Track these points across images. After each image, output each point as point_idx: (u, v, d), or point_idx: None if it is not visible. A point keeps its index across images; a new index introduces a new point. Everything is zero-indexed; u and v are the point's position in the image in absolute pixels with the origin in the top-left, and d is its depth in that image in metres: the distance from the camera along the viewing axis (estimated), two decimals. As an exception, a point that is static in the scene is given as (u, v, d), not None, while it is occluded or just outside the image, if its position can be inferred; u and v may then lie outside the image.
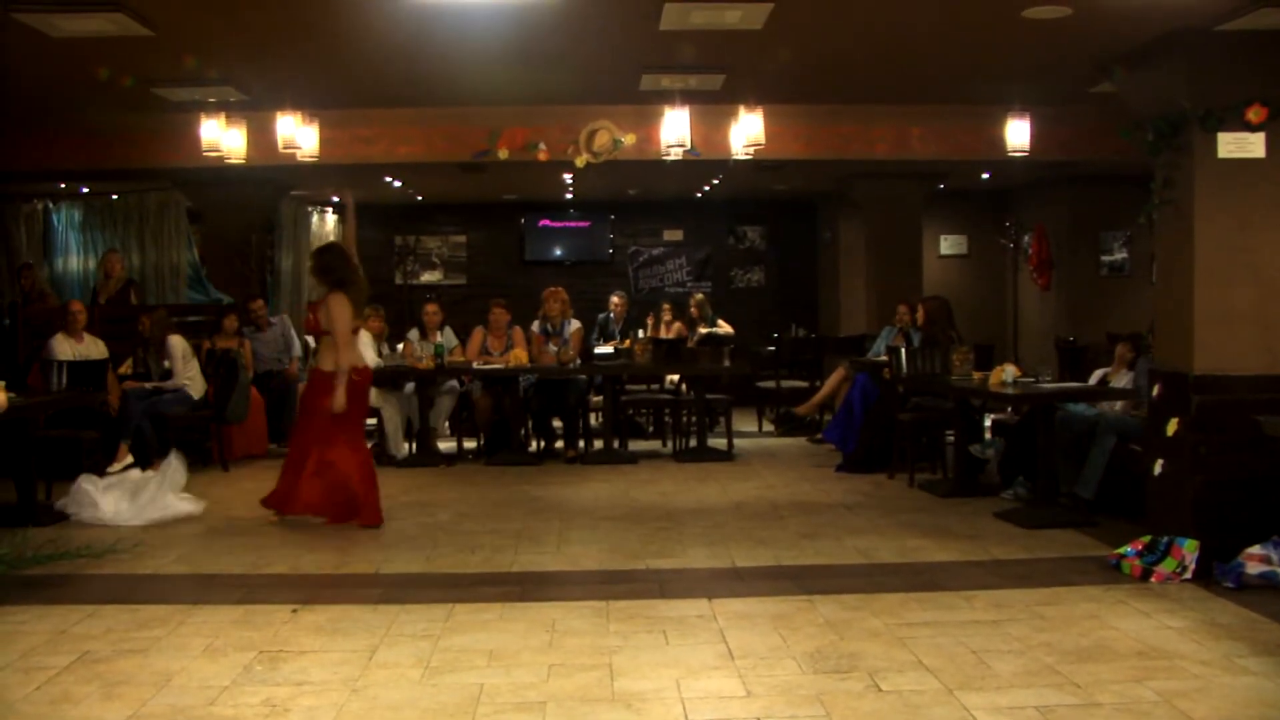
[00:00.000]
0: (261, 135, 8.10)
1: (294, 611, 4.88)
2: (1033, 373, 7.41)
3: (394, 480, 8.48)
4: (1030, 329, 13.49)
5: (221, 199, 10.58)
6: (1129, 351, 7.30)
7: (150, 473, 7.32)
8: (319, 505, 6.65)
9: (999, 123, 8.23)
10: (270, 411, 9.81)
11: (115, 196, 11.62)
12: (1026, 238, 13.42)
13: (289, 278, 12.45)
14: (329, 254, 6.84)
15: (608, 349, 10.36)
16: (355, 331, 6.77)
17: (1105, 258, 12.61)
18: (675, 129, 7.77)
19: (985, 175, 12.01)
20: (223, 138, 7.78)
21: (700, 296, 12.31)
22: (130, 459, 8.44)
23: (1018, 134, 8.07)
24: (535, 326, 9.86)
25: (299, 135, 7.88)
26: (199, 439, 9.08)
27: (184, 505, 7.00)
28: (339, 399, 6.54)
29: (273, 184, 10.83)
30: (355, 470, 6.66)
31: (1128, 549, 5.51)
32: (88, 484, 6.91)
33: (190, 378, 8.81)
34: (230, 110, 7.78)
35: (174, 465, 7.14)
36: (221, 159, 7.91)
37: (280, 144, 7.91)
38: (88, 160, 9.00)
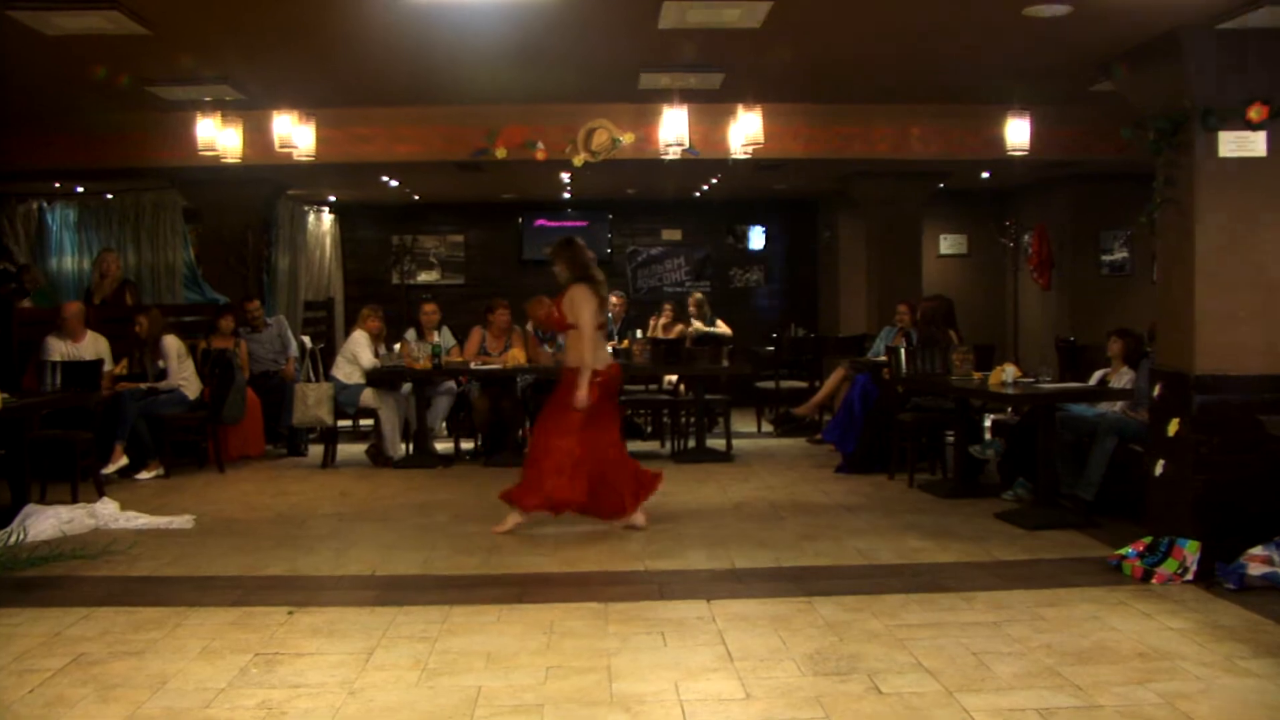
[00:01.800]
0: (258, 134, 8.10)
1: (290, 613, 4.87)
2: (1033, 373, 7.42)
3: (391, 481, 8.49)
4: (1030, 329, 13.49)
5: (217, 198, 10.57)
6: (1118, 345, 7.28)
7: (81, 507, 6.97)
8: (587, 503, 6.40)
9: (999, 122, 8.24)
10: (266, 412, 9.80)
11: (110, 196, 11.62)
12: (1027, 237, 13.42)
13: (285, 278, 12.44)
14: (572, 247, 6.55)
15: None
16: (601, 328, 6.54)
17: (1106, 257, 12.62)
18: (674, 128, 7.76)
19: (985, 174, 12.00)
20: (219, 137, 7.77)
21: (699, 295, 12.33)
22: (125, 460, 8.46)
23: (1018, 133, 8.08)
24: (529, 328, 9.85)
25: (295, 134, 7.87)
26: (195, 440, 9.08)
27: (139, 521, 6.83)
28: (582, 395, 6.31)
29: (269, 183, 10.82)
30: (627, 466, 6.52)
31: (1129, 550, 5.52)
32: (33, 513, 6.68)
33: (186, 378, 8.81)
34: (226, 109, 7.78)
35: (106, 506, 6.94)
36: (217, 158, 7.90)
37: (276, 143, 7.91)
38: (83, 159, 8.98)
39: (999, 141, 8.29)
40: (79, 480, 7.56)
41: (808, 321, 14.45)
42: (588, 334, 6.36)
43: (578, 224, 15.10)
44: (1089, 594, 5.07)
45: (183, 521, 6.85)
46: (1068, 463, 6.91)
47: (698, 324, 11.84)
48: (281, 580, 5.55)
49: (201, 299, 10.96)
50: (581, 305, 6.38)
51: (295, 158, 8.04)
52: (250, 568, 5.78)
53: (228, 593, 5.26)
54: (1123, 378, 7.20)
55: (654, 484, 6.59)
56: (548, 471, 6.32)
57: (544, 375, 9.40)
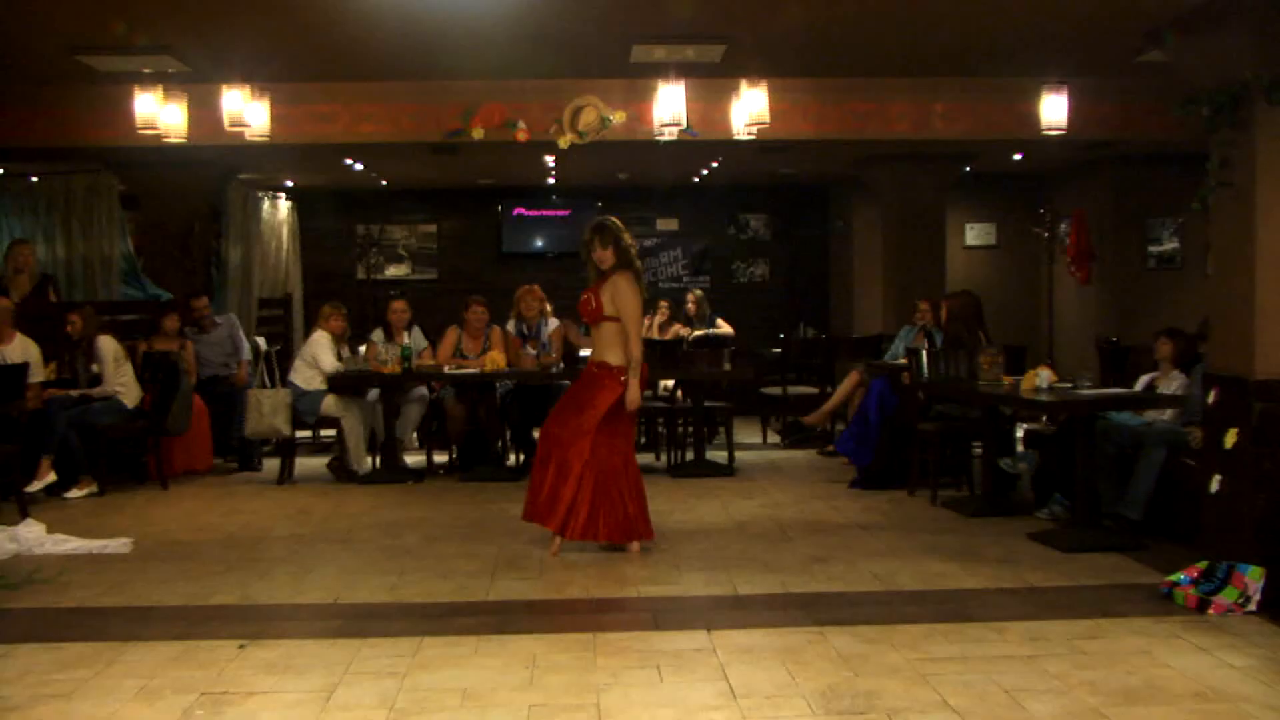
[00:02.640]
0: (205, 111, 8.06)
1: (241, 647, 4.82)
2: (1070, 377, 7.41)
3: (356, 499, 8.45)
4: (1068, 328, 13.49)
5: (159, 183, 10.52)
6: (1168, 346, 7.26)
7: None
8: (597, 527, 6.34)
9: (1033, 97, 8.24)
10: (216, 422, 9.75)
11: (35, 179, 11.49)
12: (1063, 226, 13.42)
13: (237, 272, 12.38)
14: (614, 228, 6.48)
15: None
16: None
17: (1153, 248, 12.60)
18: (670, 106, 7.76)
19: (1017, 156, 12.01)
20: (160, 113, 7.73)
21: (699, 293, 12.31)
22: (53, 476, 8.37)
23: (1054, 110, 8.07)
24: (510, 327, 9.82)
25: (247, 112, 7.84)
26: (134, 453, 9.02)
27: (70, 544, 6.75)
28: (635, 394, 6.31)
29: (218, 167, 10.77)
30: (635, 483, 6.46)
31: (1181, 576, 5.48)
32: None
33: (123, 384, 8.74)
34: (169, 83, 7.74)
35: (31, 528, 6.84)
36: (159, 138, 7.86)
37: (226, 121, 7.87)
38: (4, 136, 8.90)
39: (1033, 119, 8.29)
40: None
41: (818, 321, 14.44)
42: (638, 328, 6.41)
43: (561, 212, 15.08)
44: (1136, 625, 5.04)
45: (119, 545, 6.78)
46: (1110, 478, 6.89)
47: (693, 327, 11.80)
48: (231, 610, 5.49)
49: (142, 295, 10.89)
50: (631, 296, 6.35)
51: (247, 138, 8.01)
52: (196, 596, 5.72)
53: (170, 625, 5.20)
54: (1172, 383, 7.18)
55: (636, 533, 6.47)
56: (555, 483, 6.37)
57: (526, 380, 9.37)
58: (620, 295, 6.36)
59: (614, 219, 6.57)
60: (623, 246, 6.44)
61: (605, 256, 6.42)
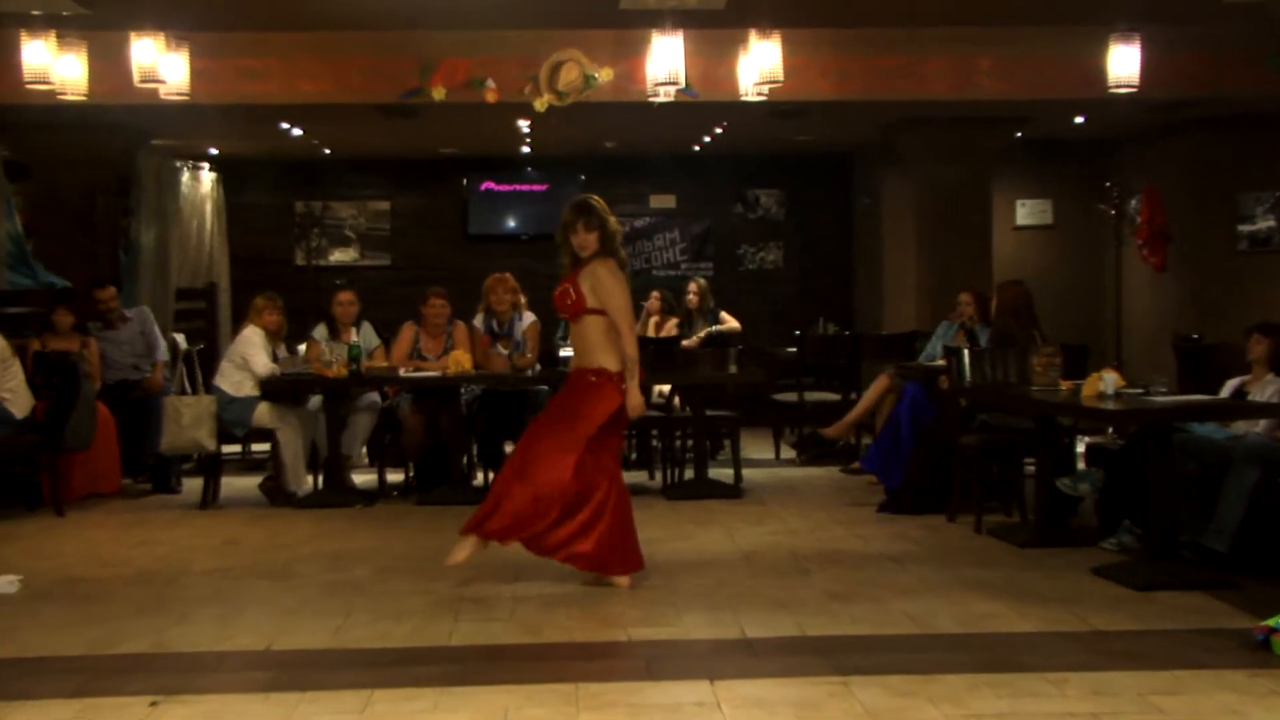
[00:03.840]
0: (109, 64, 8.05)
1: (153, 704, 4.80)
2: (1142, 382, 7.39)
3: (294, 526, 8.44)
4: (1138, 324, 13.52)
5: (54, 149, 10.52)
6: (1263, 346, 7.26)
7: None
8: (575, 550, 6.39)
9: (1098, 49, 8.24)
10: (125, 435, 9.71)
11: None
12: (1134, 202, 13.44)
13: (151, 256, 12.36)
14: (600, 209, 6.49)
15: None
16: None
17: (1244, 227, 12.59)
18: (665, 62, 7.77)
19: (1079, 120, 12.03)
20: (54, 65, 7.70)
21: (702, 283, 12.29)
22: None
23: (1123, 63, 8.08)
24: (478, 322, 9.81)
25: (162, 65, 7.82)
26: (24, 472, 8.97)
27: None
28: (637, 399, 6.38)
29: (126, 130, 10.75)
30: (620, 506, 6.47)
31: None
32: None
33: (11, 390, 8.71)
34: (65, 28, 7.70)
35: None
36: (53, 94, 7.83)
37: (136, 76, 7.85)
38: None
39: (1098, 75, 8.30)
40: None
41: (840, 315, 14.43)
42: (630, 322, 6.47)
43: (538, 187, 15.08)
44: (1225, 679, 5.01)
45: (5, 584, 6.75)
46: (1191, 502, 6.88)
47: (692, 322, 11.79)
48: (142, 660, 5.46)
49: (33, 284, 10.85)
50: (616, 285, 6.39)
51: (162, 96, 8.00)
52: (100, 644, 5.69)
53: (67, 679, 5.16)
54: (1267, 388, 7.19)
55: (622, 566, 6.49)
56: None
57: (497, 385, 9.34)
58: (602, 285, 6.38)
59: (598, 198, 6.58)
60: (609, 231, 6.47)
61: (588, 242, 6.44)
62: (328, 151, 14.02)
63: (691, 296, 12.03)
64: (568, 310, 6.47)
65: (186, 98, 8.12)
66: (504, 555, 6.61)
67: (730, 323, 11.98)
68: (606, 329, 6.40)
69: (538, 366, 9.42)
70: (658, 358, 10.03)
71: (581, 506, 6.39)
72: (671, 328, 11.62)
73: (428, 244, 15.23)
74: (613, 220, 6.53)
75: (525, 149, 14.05)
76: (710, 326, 11.84)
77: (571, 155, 14.81)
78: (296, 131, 12.03)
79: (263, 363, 9.22)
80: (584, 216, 6.45)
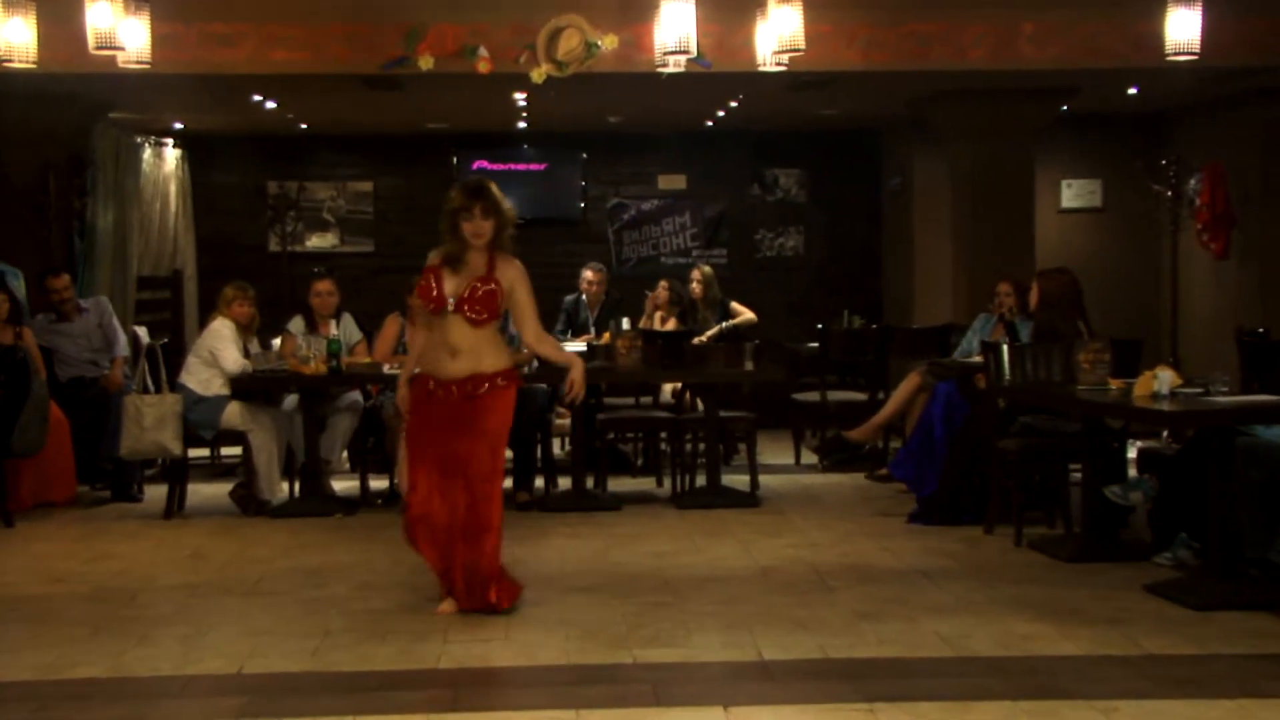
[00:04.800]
0: (61, 28, 8.05)
1: (114, 731, 4.81)
2: (1201, 380, 7.38)
3: (267, 538, 8.46)
4: (1197, 316, 13.49)
5: (2, 123, 10.50)
6: None
7: None
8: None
9: (1154, 12, 8.22)
10: (80, 438, 9.71)
11: None
12: (1193, 182, 13.40)
13: (109, 241, 12.37)
14: (496, 192, 6.47)
15: (578, 345, 10.31)
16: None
17: (1317, 209, 12.57)
18: (676, 28, 7.76)
19: (1132, 91, 12.00)
20: (0, 29, 7.69)
21: (707, 271, 12.24)
22: None
23: (1182, 28, 8.05)
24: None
25: (121, 30, 7.81)
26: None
27: None
28: (579, 384, 6.54)
29: (81, 102, 10.76)
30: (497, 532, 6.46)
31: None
32: None
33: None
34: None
35: None
36: (-1, 63, 7.83)
37: (92, 42, 7.85)
38: None
39: (1154, 41, 8.28)
40: None
41: (867, 307, 14.39)
42: (535, 318, 6.58)
43: (535, 166, 15.07)
44: (1291, 707, 5.04)
45: None
46: (1256, 513, 6.85)
47: (695, 314, 11.77)
48: (99, 685, 5.47)
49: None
50: (523, 281, 6.46)
51: (121, 65, 7.99)
52: (51, 669, 5.70)
53: (15, 708, 5.16)
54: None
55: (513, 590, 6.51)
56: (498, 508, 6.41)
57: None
58: (521, 282, 6.45)
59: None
60: (506, 220, 6.44)
61: (484, 229, 6.38)
62: (304, 127, 14.02)
63: (695, 286, 11.94)
64: (479, 309, 6.33)
65: (147, 66, 8.11)
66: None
67: (744, 314, 11.94)
68: (490, 335, 6.44)
69: (534, 363, 9.42)
70: (666, 354, 10.05)
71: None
72: (671, 323, 11.60)
73: (414, 229, 15.14)
74: (509, 208, 6.50)
75: (521, 124, 14.04)
76: (720, 321, 11.80)
77: (572, 131, 14.79)
78: (270, 104, 12.02)
79: (233, 358, 9.22)
80: (482, 200, 6.38)
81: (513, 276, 6.43)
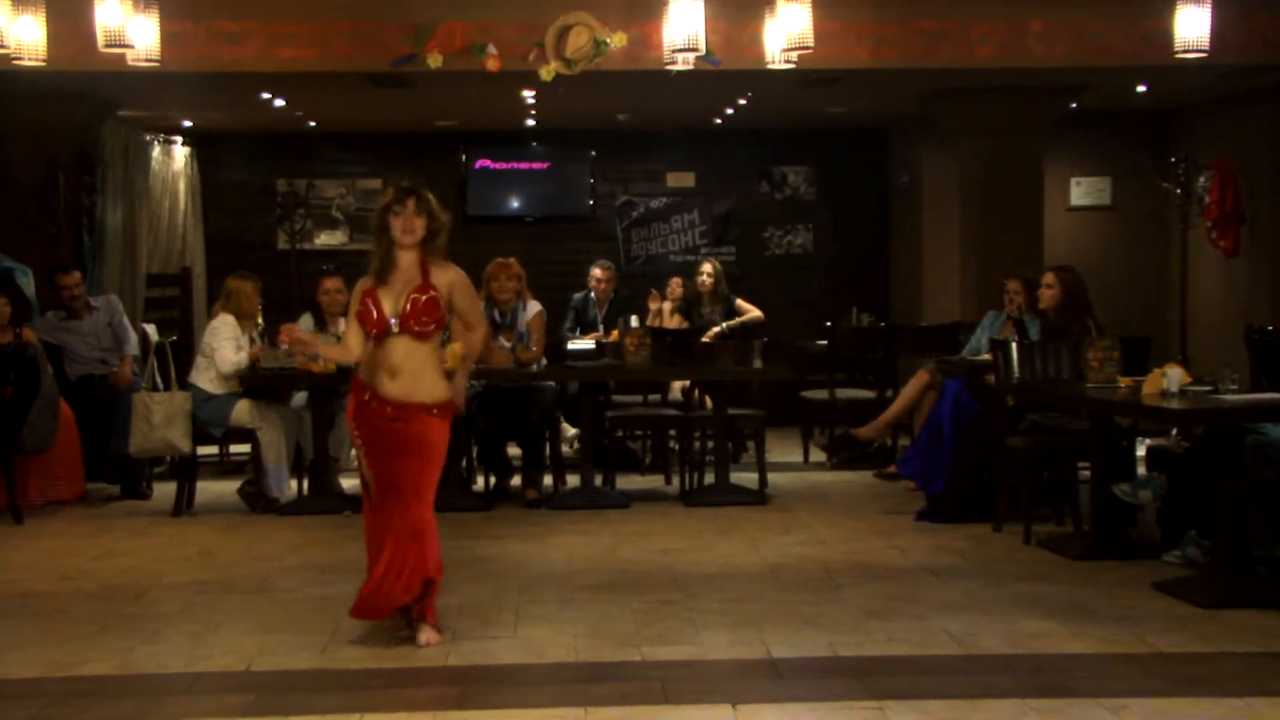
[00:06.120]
0: (71, 25, 8.05)
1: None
2: (1210, 378, 7.36)
3: (276, 535, 8.48)
4: (1207, 314, 13.46)
5: (10, 121, 10.54)
6: None
7: None
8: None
9: (1163, 9, 8.19)
10: (89, 436, 9.73)
11: None
12: (1203, 180, 13.36)
13: (118, 239, 12.38)
14: (428, 194, 6.20)
15: (586, 343, 10.31)
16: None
17: (1327, 207, 12.54)
18: (684, 26, 7.75)
19: (1141, 89, 11.98)
20: (10, 28, 7.70)
21: (716, 266, 12.22)
22: None
23: (1192, 25, 8.03)
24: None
25: (130, 28, 7.81)
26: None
27: None
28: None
29: (90, 100, 10.75)
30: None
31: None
32: None
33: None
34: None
35: None
36: (8, 60, 7.84)
37: (101, 40, 7.85)
38: None
39: (1163, 38, 8.25)
40: None
41: (875, 304, 14.38)
42: (484, 332, 6.57)
43: (542, 165, 15.05)
44: (1303, 706, 5.03)
45: None
46: (1265, 511, 6.84)
47: (700, 309, 11.77)
48: (107, 683, 5.47)
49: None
50: (463, 285, 6.18)
51: (130, 63, 7.99)
52: (59, 665, 5.70)
53: (23, 704, 5.16)
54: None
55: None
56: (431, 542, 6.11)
57: (499, 381, 9.35)
58: (468, 293, 6.23)
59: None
60: (439, 221, 6.17)
61: (416, 226, 6.10)
62: (313, 124, 14.02)
63: (705, 279, 11.92)
64: (424, 320, 6.02)
65: (157, 64, 8.11)
66: (505, 568, 6.61)
67: (751, 312, 11.93)
68: (436, 346, 6.19)
69: (543, 361, 9.42)
70: (675, 352, 10.04)
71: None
72: (676, 319, 11.60)
73: (422, 226, 15.22)
74: (444, 214, 6.23)
75: (530, 122, 14.03)
76: (725, 318, 11.78)
77: (581, 129, 14.77)
78: (279, 102, 12.03)
79: (228, 358, 9.17)
80: (414, 196, 6.12)
81: (450, 279, 6.14)
